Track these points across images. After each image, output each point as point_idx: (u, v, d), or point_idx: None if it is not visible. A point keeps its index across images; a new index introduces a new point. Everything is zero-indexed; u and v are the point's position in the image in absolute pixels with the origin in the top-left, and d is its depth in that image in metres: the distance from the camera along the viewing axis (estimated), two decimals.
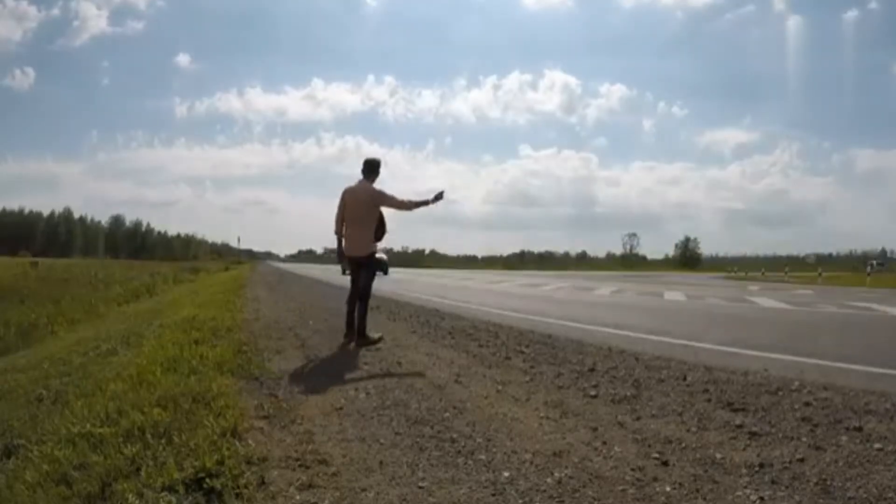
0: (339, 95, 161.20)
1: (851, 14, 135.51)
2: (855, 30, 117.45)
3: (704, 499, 2.04)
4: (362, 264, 5.17)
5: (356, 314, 5.18)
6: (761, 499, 2.02)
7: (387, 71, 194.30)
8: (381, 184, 5.19)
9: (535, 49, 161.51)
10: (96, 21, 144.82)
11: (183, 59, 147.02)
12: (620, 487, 2.13)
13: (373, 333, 5.28)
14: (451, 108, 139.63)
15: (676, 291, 14.63)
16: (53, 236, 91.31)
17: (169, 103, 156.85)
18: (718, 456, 2.41)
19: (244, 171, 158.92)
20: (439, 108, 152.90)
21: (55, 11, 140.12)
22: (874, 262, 30.03)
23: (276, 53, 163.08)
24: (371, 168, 5.16)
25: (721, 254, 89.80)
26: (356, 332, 5.17)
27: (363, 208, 5.08)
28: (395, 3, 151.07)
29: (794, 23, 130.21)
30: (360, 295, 5.19)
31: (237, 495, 2.03)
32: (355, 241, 5.14)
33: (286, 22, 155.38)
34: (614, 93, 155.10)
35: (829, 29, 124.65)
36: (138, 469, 2.23)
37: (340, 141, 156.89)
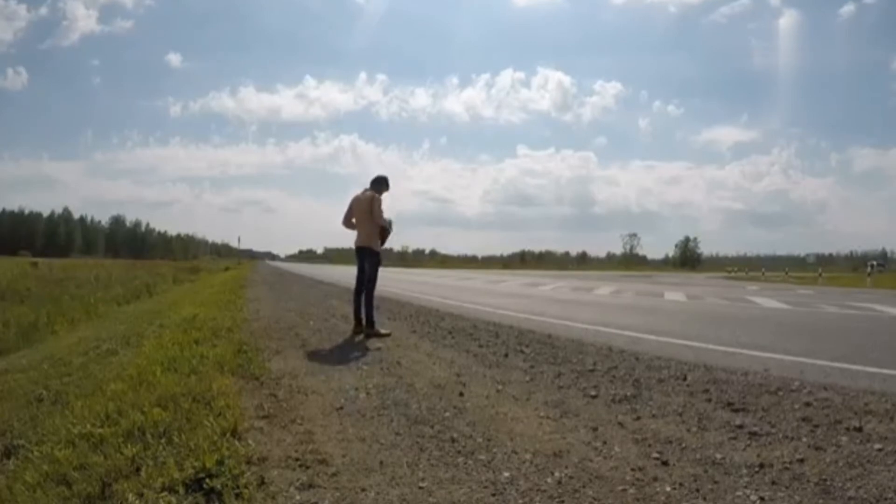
0: (332, 94, 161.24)
1: (848, 8, 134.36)
2: (852, 25, 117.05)
3: (704, 499, 2.04)
4: (364, 255, 5.90)
5: (364, 304, 5.80)
6: (761, 499, 2.02)
7: (378, 69, 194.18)
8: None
9: (528, 46, 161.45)
10: (85, 21, 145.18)
11: (174, 59, 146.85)
12: (620, 487, 2.13)
13: (382, 329, 5.82)
14: (445, 106, 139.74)
15: (676, 291, 14.63)
16: (53, 236, 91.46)
17: (163, 103, 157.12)
18: (718, 456, 2.41)
19: (240, 171, 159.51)
20: (432, 106, 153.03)
21: (43, 11, 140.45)
22: (874, 263, 29.95)
23: (267, 51, 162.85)
24: (376, 182, 6.06)
25: (721, 254, 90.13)
26: (365, 322, 5.75)
27: (363, 211, 5.97)
28: (386, 0, 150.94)
29: (789, 18, 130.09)
30: (365, 285, 5.82)
31: (237, 495, 2.03)
32: (357, 234, 6.00)
33: (276, 20, 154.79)
34: (609, 90, 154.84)
35: (826, 24, 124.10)
36: (138, 469, 2.23)
37: (336, 140, 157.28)
